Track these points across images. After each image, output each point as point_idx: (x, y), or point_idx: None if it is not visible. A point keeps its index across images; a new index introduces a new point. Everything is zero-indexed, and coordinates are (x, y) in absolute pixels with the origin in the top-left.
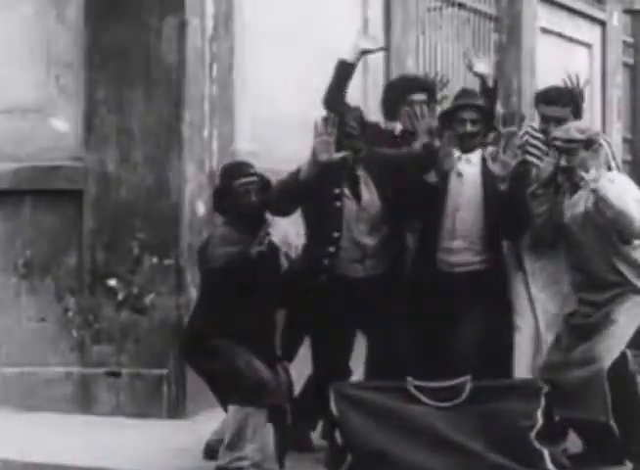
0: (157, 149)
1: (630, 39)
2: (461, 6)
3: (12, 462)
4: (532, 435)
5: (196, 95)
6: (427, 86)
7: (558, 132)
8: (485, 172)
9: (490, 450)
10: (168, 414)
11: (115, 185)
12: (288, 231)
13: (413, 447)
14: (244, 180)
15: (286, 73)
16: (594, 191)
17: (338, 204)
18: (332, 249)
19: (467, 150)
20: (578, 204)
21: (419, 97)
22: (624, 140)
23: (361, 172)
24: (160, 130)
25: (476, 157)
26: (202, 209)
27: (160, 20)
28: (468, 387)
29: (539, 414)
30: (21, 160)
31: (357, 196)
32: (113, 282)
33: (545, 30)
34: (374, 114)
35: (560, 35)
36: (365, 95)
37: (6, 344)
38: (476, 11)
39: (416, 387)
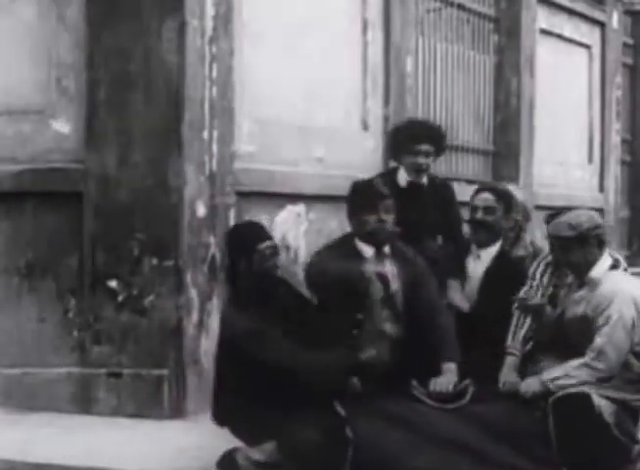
0: (157, 150)
1: (630, 40)
2: (460, 7)
3: (13, 462)
4: (538, 433)
5: (195, 96)
6: (434, 135)
7: (548, 228)
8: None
9: (496, 448)
10: (169, 415)
11: (116, 186)
12: (286, 233)
13: (418, 444)
14: (269, 243)
15: (286, 74)
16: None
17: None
18: (354, 331)
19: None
20: (578, 305)
21: (425, 148)
22: (623, 141)
23: (390, 266)
24: (159, 132)
25: (487, 254)
26: (201, 210)
27: (159, 21)
28: (470, 390)
29: (538, 414)
30: (21, 161)
31: (385, 280)
32: (113, 283)
33: (545, 32)
34: (373, 113)
35: (559, 36)
36: (364, 95)
37: (6, 344)
38: (475, 12)
39: (420, 391)
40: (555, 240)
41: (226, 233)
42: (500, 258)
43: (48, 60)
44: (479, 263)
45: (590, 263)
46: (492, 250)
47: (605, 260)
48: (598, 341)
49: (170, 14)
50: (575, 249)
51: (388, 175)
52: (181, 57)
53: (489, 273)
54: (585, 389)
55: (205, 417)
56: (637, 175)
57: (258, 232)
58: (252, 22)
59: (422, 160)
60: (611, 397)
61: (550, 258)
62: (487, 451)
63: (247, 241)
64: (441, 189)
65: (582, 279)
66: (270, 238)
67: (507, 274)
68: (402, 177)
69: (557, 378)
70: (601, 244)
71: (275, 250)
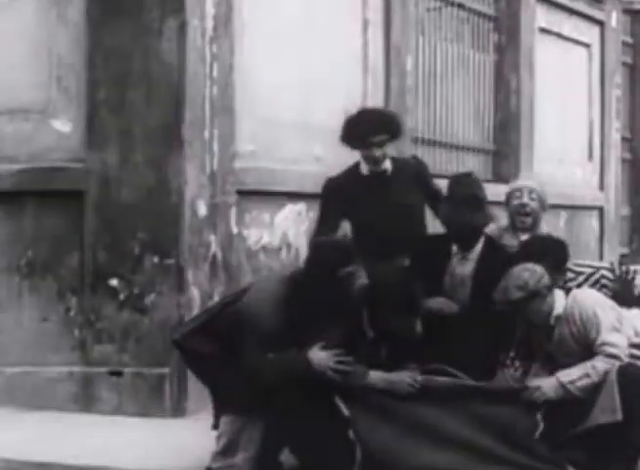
0: (157, 149)
1: (629, 39)
2: (460, 6)
3: (14, 461)
4: (537, 433)
5: (196, 96)
6: (386, 125)
7: (496, 295)
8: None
9: (498, 446)
10: (170, 413)
11: (117, 186)
12: (288, 231)
13: (421, 444)
14: (351, 269)
15: (286, 73)
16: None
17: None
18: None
19: (464, 248)
20: (564, 341)
21: (378, 139)
22: (623, 139)
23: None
24: (160, 131)
25: (473, 254)
26: (202, 208)
27: (160, 21)
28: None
29: (539, 416)
30: (22, 161)
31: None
32: (114, 282)
33: (544, 30)
34: None
35: (559, 35)
36: (365, 94)
37: (8, 343)
38: (475, 11)
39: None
40: (507, 306)
41: (312, 246)
42: (488, 246)
43: (48, 59)
44: (465, 263)
45: (549, 309)
46: (477, 248)
47: (559, 298)
48: (601, 348)
49: (171, 13)
50: (530, 306)
51: (355, 167)
52: (182, 56)
53: (483, 259)
54: None
55: (206, 416)
56: (637, 173)
57: (341, 256)
58: (252, 21)
59: (376, 152)
60: None
61: None
62: (489, 449)
63: (328, 263)
64: (411, 168)
65: (548, 325)
66: (352, 263)
67: (500, 260)
68: (364, 168)
69: (578, 379)
70: (550, 289)
71: (353, 275)
